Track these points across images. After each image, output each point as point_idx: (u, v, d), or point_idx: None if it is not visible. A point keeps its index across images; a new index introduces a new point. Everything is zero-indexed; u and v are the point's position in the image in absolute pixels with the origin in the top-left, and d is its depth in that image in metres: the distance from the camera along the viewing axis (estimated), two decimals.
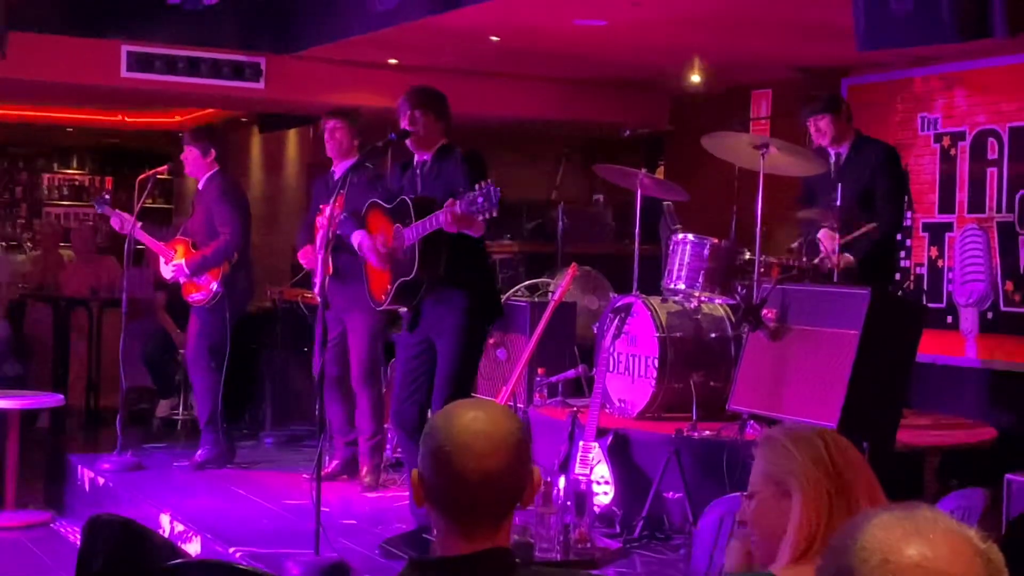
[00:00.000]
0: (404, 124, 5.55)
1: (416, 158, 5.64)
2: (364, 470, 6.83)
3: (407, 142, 5.57)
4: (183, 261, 7.34)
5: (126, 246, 7.46)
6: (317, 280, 6.39)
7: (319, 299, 5.61)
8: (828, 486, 2.24)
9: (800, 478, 2.26)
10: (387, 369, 7.32)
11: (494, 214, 5.02)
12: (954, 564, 1.41)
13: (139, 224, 7.50)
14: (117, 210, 7.80)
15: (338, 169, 6.80)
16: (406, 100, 5.59)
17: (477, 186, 5.01)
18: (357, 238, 5.73)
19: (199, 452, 7.43)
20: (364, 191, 6.33)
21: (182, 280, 7.39)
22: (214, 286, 7.27)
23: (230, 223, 7.29)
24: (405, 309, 5.71)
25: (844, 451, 2.31)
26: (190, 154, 7.41)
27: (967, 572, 1.41)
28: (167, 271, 7.48)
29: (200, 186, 7.52)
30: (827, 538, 2.17)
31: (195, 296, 7.36)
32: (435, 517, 2.22)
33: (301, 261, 7.06)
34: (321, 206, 6.82)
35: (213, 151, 7.42)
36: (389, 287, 5.59)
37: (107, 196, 8.76)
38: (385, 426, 6.95)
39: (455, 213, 5.10)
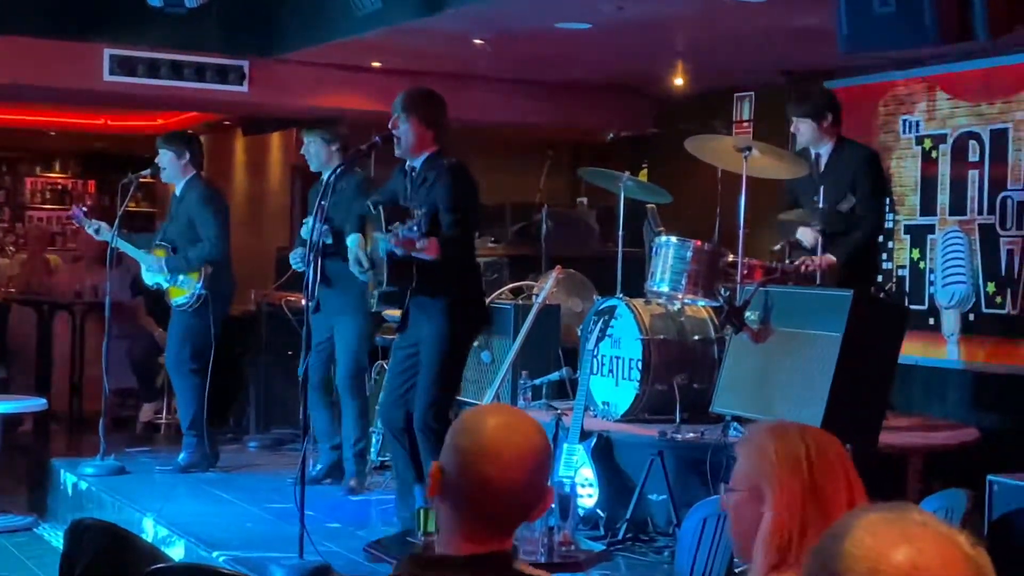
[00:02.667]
0: (390, 126, 5.55)
1: (408, 163, 5.65)
2: (349, 474, 6.82)
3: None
4: (163, 261, 7.33)
5: (109, 249, 7.44)
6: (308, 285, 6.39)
7: (305, 302, 5.63)
8: (803, 494, 2.20)
9: (774, 484, 2.21)
10: (371, 372, 7.32)
11: (425, 242, 5.19)
12: (944, 570, 1.39)
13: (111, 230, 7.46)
14: (95, 219, 7.78)
15: (326, 176, 6.78)
16: (397, 103, 5.59)
17: (416, 213, 5.13)
18: (351, 242, 5.77)
19: (182, 456, 7.42)
20: (352, 197, 6.35)
21: (164, 285, 7.37)
22: (197, 289, 7.26)
23: (213, 228, 7.29)
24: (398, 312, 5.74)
25: (825, 454, 2.26)
26: (164, 158, 7.39)
27: None
28: (149, 278, 7.46)
29: (177, 191, 7.50)
30: (801, 546, 2.16)
31: (179, 299, 7.34)
32: (446, 512, 2.20)
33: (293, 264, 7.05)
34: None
35: (187, 154, 7.40)
36: (375, 292, 5.63)
37: (85, 209, 8.72)
38: (370, 430, 6.95)
39: (396, 237, 5.19)
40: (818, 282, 5.97)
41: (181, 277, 7.30)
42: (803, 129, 6.36)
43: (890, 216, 7.96)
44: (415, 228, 5.11)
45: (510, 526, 2.22)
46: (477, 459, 2.16)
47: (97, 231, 7.60)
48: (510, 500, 2.18)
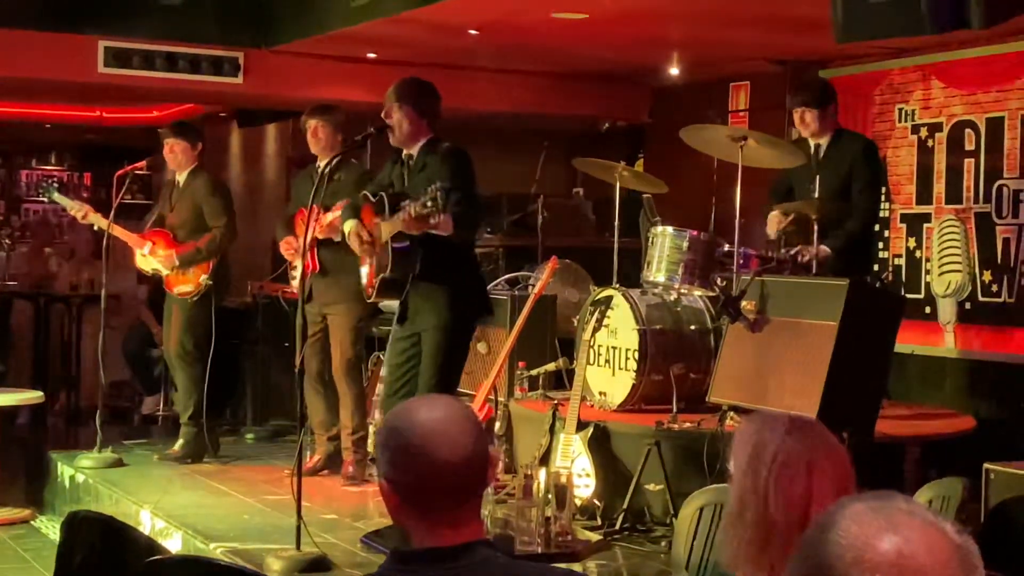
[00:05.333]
0: (383, 116, 5.55)
1: (403, 151, 5.64)
2: (348, 464, 6.82)
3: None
4: (172, 252, 7.32)
5: (104, 240, 7.44)
6: (298, 275, 6.39)
7: (298, 293, 5.64)
8: (752, 495, 2.25)
9: (736, 474, 2.30)
10: (367, 363, 7.31)
11: (441, 217, 5.06)
12: (931, 559, 1.38)
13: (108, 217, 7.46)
14: (73, 200, 7.77)
15: (322, 165, 6.75)
16: (390, 93, 5.58)
17: (429, 188, 5.04)
18: (348, 226, 5.74)
19: (179, 447, 7.42)
20: (354, 190, 6.34)
21: (166, 272, 7.36)
22: (203, 279, 7.26)
23: (223, 216, 7.30)
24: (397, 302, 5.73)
25: (793, 457, 2.27)
26: (178, 146, 7.38)
27: (944, 567, 1.39)
28: (146, 264, 7.45)
29: (182, 180, 7.49)
30: (740, 533, 2.23)
31: (182, 289, 7.33)
32: (413, 519, 2.22)
33: (283, 252, 7.04)
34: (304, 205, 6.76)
35: (200, 145, 7.44)
36: (374, 280, 5.62)
37: (55, 183, 8.70)
38: (368, 420, 6.95)
39: (410, 215, 5.13)
40: (814, 271, 5.98)
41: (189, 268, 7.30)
42: (808, 119, 6.36)
43: (886, 205, 7.96)
44: (429, 204, 5.04)
45: (475, 501, 2.26)
46: (425, 448, 2.18)
47: (84, 216, 7.57)
48: (467, 472, 2.21)
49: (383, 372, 6.01)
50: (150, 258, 7.40)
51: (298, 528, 5.08)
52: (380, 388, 6.23)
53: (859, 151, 6.39)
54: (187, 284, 7.31)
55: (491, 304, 5.93)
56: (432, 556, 2.19)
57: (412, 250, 5.39)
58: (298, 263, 6.69)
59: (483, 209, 5.84)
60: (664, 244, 6.23)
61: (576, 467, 5.75)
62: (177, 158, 7.42)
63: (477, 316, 5.77)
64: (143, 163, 7.72)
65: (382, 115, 5.55)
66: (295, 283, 6.81)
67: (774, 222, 6.20)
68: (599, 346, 6.52)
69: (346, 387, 6.83)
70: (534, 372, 6.89)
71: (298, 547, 5.09)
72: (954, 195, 7.73)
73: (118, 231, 7.47)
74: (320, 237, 6.59)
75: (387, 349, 5.94)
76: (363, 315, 6.83)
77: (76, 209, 7.64)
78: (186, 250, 7.30)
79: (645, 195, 7.11)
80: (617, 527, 5.61)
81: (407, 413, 2.26)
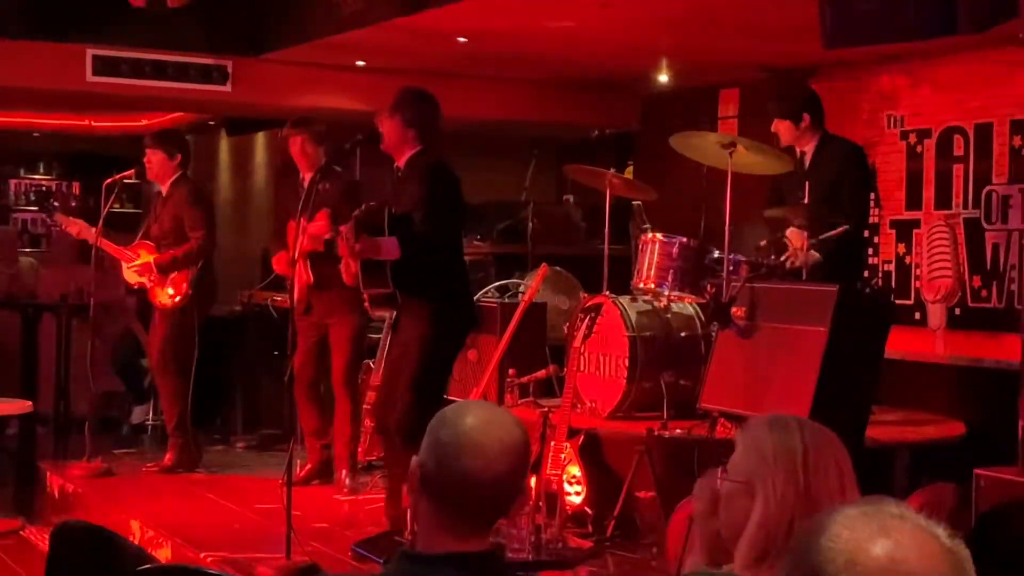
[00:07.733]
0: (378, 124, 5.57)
1: (395, 163, 5.65)
2: (343, 473, 6.81)
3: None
4: (151, 261, 7.30)
5: (93, 251, 7.42)
6: (296, 290, 6.37)
7: (291, 305, 5.66)
8: (795, 497, 2.20)
9: (767, 484, 2.21)
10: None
11: (358, 247, 5.18)
12: (922, 563, 1.39)
13: (96, 229, 7.45)
14: (72, 218, 7.77)
15: (307, 177, 6.73)
16: (391, 100, 5.58)
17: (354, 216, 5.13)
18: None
19: (168, 457, 7.40)
20: (338, 199, 6.33)
21: (148, 283, 7.35)
22: (185, 288, 7.24)
23: (201, 227, 7.28)
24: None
25: (821, 456, 2.23)
26: (155, 157, 7.38)
27: (935, 571, 1.39)
28: (131, 275, 7.44)
29: (164, 190, 7.48)
30: (785, 544, 2.16)
31: (163, 299, 7.32)
32: (426, 509, 2.19)
33: (275, 268, 7.01)
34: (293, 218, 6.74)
35: (179, 155, 7.40)
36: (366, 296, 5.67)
37: (56, 204, 8.70)
38: (361, 428, 6.95)
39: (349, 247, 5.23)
40: (804, 277, 5.98)
41: (169, 277, 7.29)
42: (782, 130, 6.38)
43: (876, 211, 7.97)
44: (350, 234, 5.10)
45: (489, 522, 2.21)
46: (459, 453, 2.15)
47: (79, 232, 7.58)
48: (491, 495, 2.17)
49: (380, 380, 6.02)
50: (133, 270, 7.39)
51: (288, 536, 5.06)
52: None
53: (846, 156, 6.40)
54: (167, 295, 7.30)
55: (477, 316, 5.93)
56: (441, 562, 2.16)
57: (380, 267, 5.39)
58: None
59: (458, 223, 5.78)
60: (654, 251, 6.23)
61: (567, 474, 5.75)
62: (155, 168, 7.41)
63: (462, 330, 5.76)
64: (131, 172, 7.70)
65: (376, 121, 5.56)
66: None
67: (795, 239, 6.18)
68: (589, 353, 6.52)
69: (344, 396, 6.82)
70: (524, 379, 6.89)
71: (288, 556, 5.08)
72: (943, 201, 7.74)
73: (106, 245, 7.46)
74: (306, 249, 6.59)
75: (376, 356, 5.95)
76: (364, 324, 6.84)
77: (72, 225, 7.63)
78: (163, 259, 7.29)
79: (635, 202, 7.12)
80: (608, 534, 5.60)
81: (465, 412, 2.22)
